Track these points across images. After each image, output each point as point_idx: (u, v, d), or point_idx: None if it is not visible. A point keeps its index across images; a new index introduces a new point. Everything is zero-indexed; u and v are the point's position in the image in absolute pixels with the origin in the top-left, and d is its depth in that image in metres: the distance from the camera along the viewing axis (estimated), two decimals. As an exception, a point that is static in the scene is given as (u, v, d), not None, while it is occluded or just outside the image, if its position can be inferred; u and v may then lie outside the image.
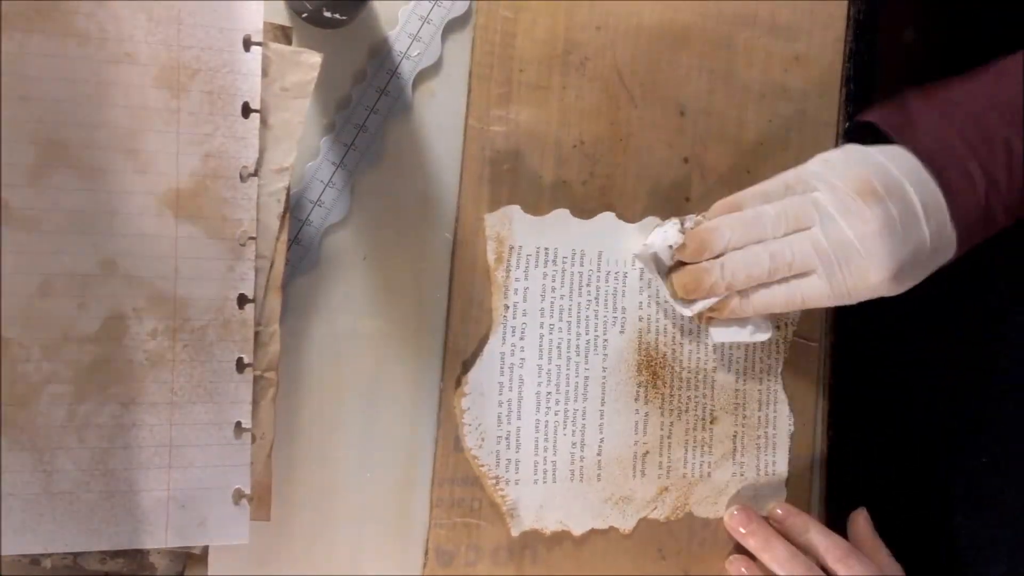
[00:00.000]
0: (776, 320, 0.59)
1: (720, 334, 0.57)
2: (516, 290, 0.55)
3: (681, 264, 0.55)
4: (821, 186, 0.53)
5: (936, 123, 0.55)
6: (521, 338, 0.55)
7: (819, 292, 0.53)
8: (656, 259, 0.55)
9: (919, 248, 0.52)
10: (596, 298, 0.56)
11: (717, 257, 0.54)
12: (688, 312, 0.55)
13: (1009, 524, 0.59)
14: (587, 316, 0.56)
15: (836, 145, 0.62)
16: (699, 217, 0.55)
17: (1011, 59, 0.55)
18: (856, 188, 0.52)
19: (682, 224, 0.55)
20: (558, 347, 0.56)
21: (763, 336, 0.57)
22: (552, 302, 0.55)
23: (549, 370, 0.55)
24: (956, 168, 0.53)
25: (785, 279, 0.53)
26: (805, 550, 0.57)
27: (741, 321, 0.56)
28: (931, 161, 0.53)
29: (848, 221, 0.52)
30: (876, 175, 0.52)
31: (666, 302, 0.57)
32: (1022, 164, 0.53)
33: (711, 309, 0.55)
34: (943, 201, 0.52)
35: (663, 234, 0.55)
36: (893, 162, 0.53)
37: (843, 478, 0.63)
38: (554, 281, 0.55)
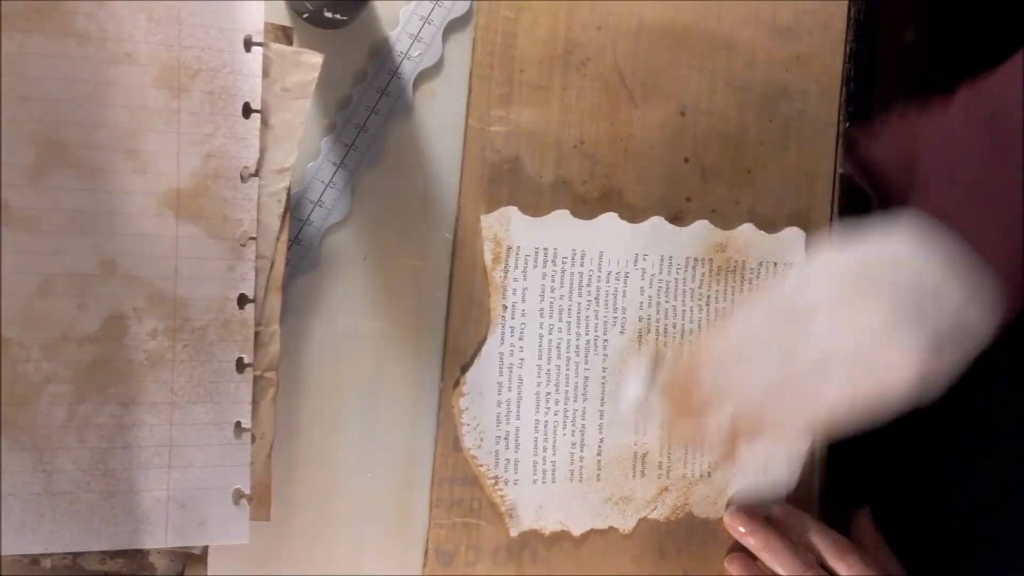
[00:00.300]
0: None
1: (739, 479, 0.53)
2: (514, 290, 0.55)
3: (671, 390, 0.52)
4: (823, 281, 0.47)
5: (936, 185, 0.49)
6: (520, 338, 0.55)
7: (837, 402, 0.46)
8: (641, 393, 0.54)
9: (947, 322, 0.45)
10: (596, 298, 0.56)
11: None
12: (695, 441, 0.51)
13: (1013, 525, 0.59)
14: (587, 316, 0.56)
15: (836, 145, 0.62)
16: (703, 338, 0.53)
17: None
18: (850, 282, 0.46)
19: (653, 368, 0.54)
20: (557, 347, 0.56)
21: (784, 480, 0.53)
22: (551, 302, 0.55)
23: (548, 370, 0.55)
24: (959, 209, 0.46)
25: (797, 387, 0.47)
26: (805, 549, 0.57)
27: (765, 461, 0.52)
28: (939, 222, 0.46)
29: (852, 314, 0.45)
30: (865, 255, 0.46)
31: (667, 303, 0.56)
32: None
33: (726, 447, 0.49)
34: (964, 256, 0.45)
35: (645, 370, 0.54)
36: (894, 238, 0.46)
37: (843, 478, 0.63)
38: (553, 281, 0.55)
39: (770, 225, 0.60)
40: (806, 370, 0.46)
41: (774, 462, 0.52)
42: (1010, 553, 0.59)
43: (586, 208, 0.56)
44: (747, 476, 0.52)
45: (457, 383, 0.54)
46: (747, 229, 0.59)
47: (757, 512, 0.59)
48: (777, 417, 0.47)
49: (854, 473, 0.64)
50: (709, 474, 0.59)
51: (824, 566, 0.57)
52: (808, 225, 0.62)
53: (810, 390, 0.46)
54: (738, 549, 0.60)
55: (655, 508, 0.58)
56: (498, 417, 0.54)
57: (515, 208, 0.54)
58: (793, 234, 0.61)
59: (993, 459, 0.61)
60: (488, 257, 0.54)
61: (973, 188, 0.46)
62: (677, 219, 0.58)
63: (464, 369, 0.54)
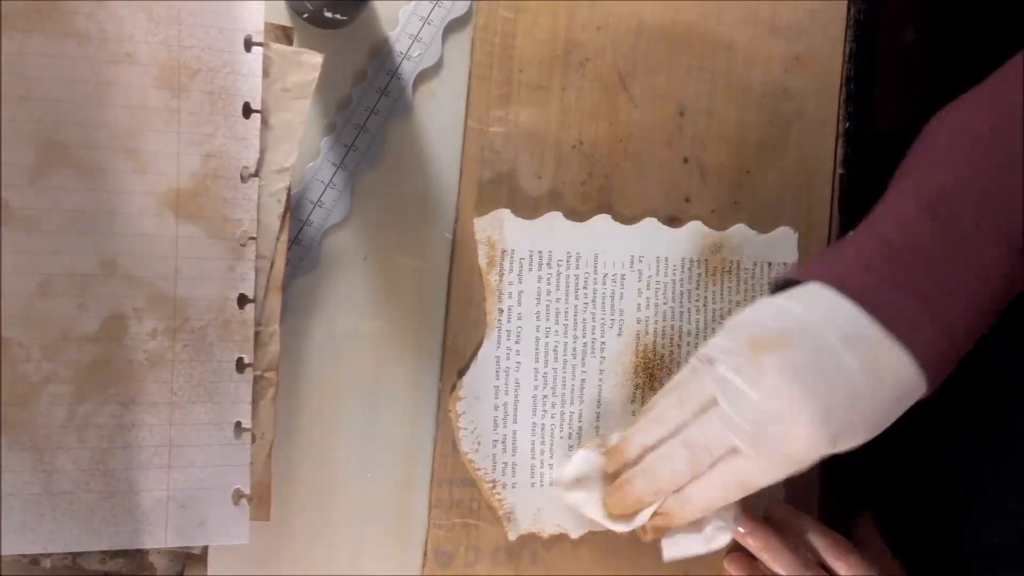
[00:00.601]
0: (734, 518, 0.54)
1: (672, 548, 0.53)
2: (510, 294, 0.55)
3: (610, 481, 0.53)
4: (718, 354, 0.47)
5: (836, 248, 0.49)
6: (516, 342, 0.55)
7: (751, 469, 0.47)
8: (582, 485, 0.53)
9: (848, 386, 0.44)
10: (593, 301, 0.56)
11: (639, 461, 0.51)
12: (625, 529, 0.52)
13: (1015, 526, 0.59)
14: (583, 319, 0.56)
15: (836, 146, 0.62)
16: (625, 432, 0.53)
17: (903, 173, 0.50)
18: (748, 342, 0.46)
19: (603, 442, 0.53)
20: (554, 350, 0.56)
21: (722, 541, 0.53)
22: (548, 305, 0.55)
23: (545, 373, 0.55)
24: (880, 290, 0.46)
25: (712, 465, 0.48)
26: (805, 549, 0.57)
27: (695, 529, 0.52)
28: (845, 288, 0.46)
29: (747, 382, 0.45)
30: (771, 321, 0.46)
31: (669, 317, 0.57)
32: (950, 277, 0.45)
33: (656, 523, 0.51)
34: (869, 324, 0.45)
35: (582, 460, 0.53)
36: (798, 300, 0.47)
37: (843, 478, 0.63)
38: (549, 284, 0.55)
39: (769, 225, 0.60)
40: (713, 456, 0.47)
41: (705, 529, 0.53)
42: (1011, 554, 0.59)
43: (585, 209, 0.56)
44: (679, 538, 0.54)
45: (454, 387, 0.54)
46: (740, 229, 0.59)
47: (756, 512, 0.59)
48: (696, 507, 0.50)
49: (854, 473, 0.63)
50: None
51: (824, 566, 0.57)
52: (808, 225, 0.62)
53: (718, 479, 0.48)
54: (737, 549, 0.59)
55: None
56: (495, 421, 0.54)
57: (508, 211, 0.54)
58: (785, 234, 0.61)
59: (994, 459, 0.61)
60: (483, 260, 0.54)
61: (910, 271, 0.46)
62: (676, 220, 0.58)
63: (461, 373, 0.54)
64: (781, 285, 0.49)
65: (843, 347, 0.44)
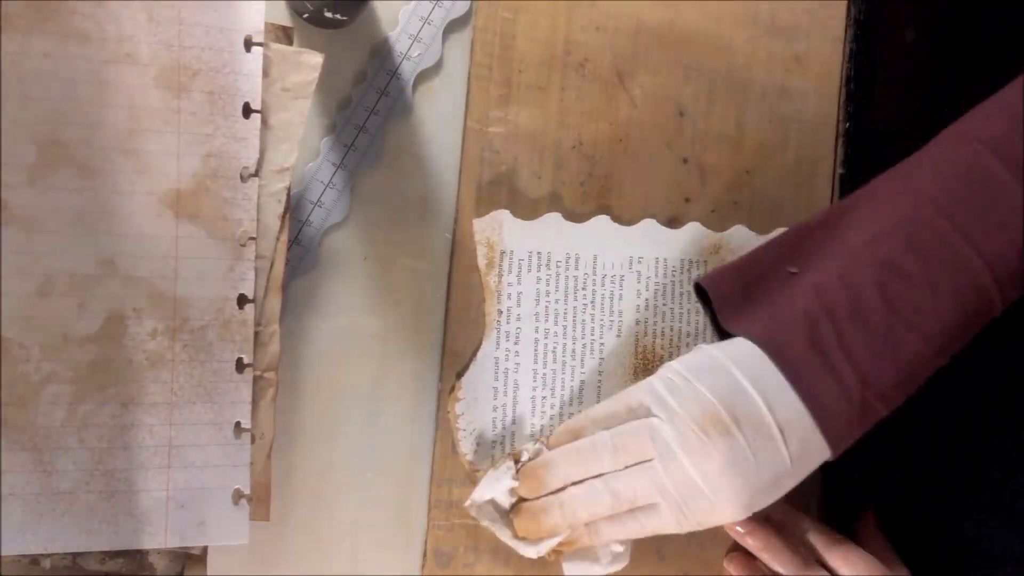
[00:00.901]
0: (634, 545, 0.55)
1: (573, 568, 0.53)
2: (509, 295, 0.55)
3: (522, 500, 0.52)
4: (661, 412, 0.48)
5: (778, 301, 0.50)
6: (515, 343, 0.55)
7: (667, 525, 0.49)
8: (493, 504, 0.52)
9: (777, 472, 0.48)
10: (592, 302, 0.56)
11: (558, 491, 0.51)
12: (533, 553, 0.52)
13: (1016, 526, 0.59)
14: (583, 320, 0.56)
15: (836, 146, 0.62)
16: (538, 446, 0.53)
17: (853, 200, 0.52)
18: (697, 419, 0.47)
19: (516, 461, 0.52)
20: (553, 351, 0.55)
21: (620, 564, 0.53)
22: (547, 306, 0.55)
23: (544, 374, 0.55)
24: (811, 363, 0.47)
25: (631, 512, 0.50)
26: (805, 549, 0.57)
27: (596, 552, 0.53)
28: (781, 359, 0.48)
29: (690, 458, 0.47)
30: (723, 398, 0.47)
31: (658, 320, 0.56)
32: (889, 343, 0.47)
33: (562, 544, 0.52)
34: (803, 408, 0.47)
35: (496, 481, 0.52)
36: (743, 369, 0.48)
37: (843, 478, 0.63)
38: (548, 285, 0.55)
39: (769, 225, 0.60)
40: (635, 507, 0.49)
41: (605, 552, 0.53)
42: (1014, 556, 0.59)
43: (585, 209, 0.56)
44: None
45: (452, 388, 0.54)
46: (739, 231, 0.59)
47: (756, 512, 0.59)
48: (604, 540, 0.51)
49: (854, 474, 0.63)
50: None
51: (824, 566, 0.56)
52: (807, 225, 0.62)
53: (634, 525, 0.50)
54: (737, 549, 0.59)
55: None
56: (494, 422, 0.54)
57: (507, 212, 0.54)
58: (782, 235, 0.61)
59: (995, 459, 0.61)
60: (482, 262, 0.54)
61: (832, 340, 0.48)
62: (676, 220, 0.58)
63: (460, 374, 0.54)
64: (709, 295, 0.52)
65: (781, 436, 0.47)
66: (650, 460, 0.48)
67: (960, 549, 0.60)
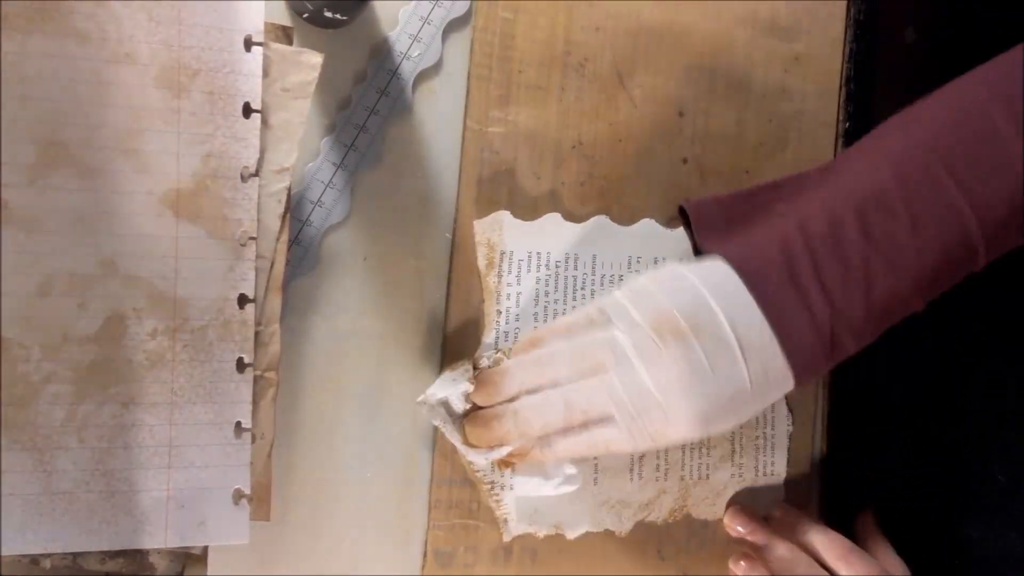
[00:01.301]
0: (585, 466, 0.55)
1: (523, 485, 0.53)
2: (508, 295, 0.55)
3: (476, 409, 0.52)
4: (621, 323, 0.47)
5: (759, 229, 0.49)
6: (515, 343, 0.55)
7: (620, 441, 0.48)
8: (446, 406, 0.52)
9: (736, 391, 0.46)
10: (591, 302, 0.56)
11: (512, 401, 0.50)
12: (482, 460, 0.52)
13: (1016, 525, 0.59)
14: None
15: (835, 146, 0.62)
16: (499, 355, 0.53)
17: (849, 152, 0.52)
18: (655, 326, 0.46)
19: (474, 368, 0.52)
20: None
21: (571, 487, 0.53)
22: (546, 306, 0.55)
23: None
24: (782, 288, 0.46)
25: (584, 425, 0.48)
26: (805, 549, 0.57)
27: (546, 470, 0.53)
28: (752, 281, 0.46)
29: (645, 366, 0.46)
30: (682, 307, 0.46)
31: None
32: (864, 277, 0.46)
33: (512, 455, 0.51)
34: (769, 331, 0.46)
35: (452, 381, 0.52)
36: (709, 285, 0.47)
37: (843, 478, 0.63)
38: (547, 285, 0.55)
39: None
40: (589, 419, 0.48)
41: (554, 482, 0.53)
42: (1017, 557, 0.59)
43: (585, 209, 0.56)
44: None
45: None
46: (736, 229, 0.59)
47: (756, 512, 0.59)
48: (556, 456, 0.50)
49: (854, 473, 0.64)
50: (707, 476, 0.59)
51: (824, 566, 0.57)
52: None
53: (586, 439, 0.49)
54: (741, 551, 0.59)
55: (653, 511, 0.58)
56: None
57: (507, 212, 0.54)
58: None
59: (1000, 461, 0.61)
60: (482, 262, 0.54)
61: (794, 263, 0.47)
62: (676, 220, 0.58)
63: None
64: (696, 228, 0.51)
65: (741, 352, 0.46)
66: (607, 371, 0.47)
67: (963, 551, 0.60)
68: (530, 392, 0.50)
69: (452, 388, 0.51)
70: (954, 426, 0.63)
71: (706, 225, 0.52)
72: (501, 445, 0.51)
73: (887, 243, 0.47)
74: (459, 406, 0.52)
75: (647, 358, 0.46)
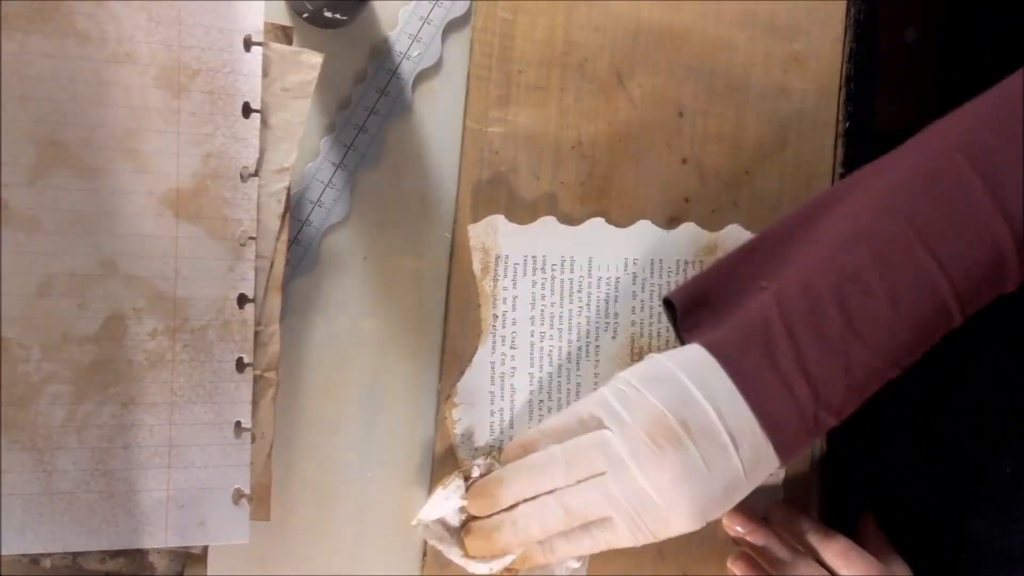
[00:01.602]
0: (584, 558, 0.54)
1: None
2: (504, 299, 0.54)
3: (473, 518, 0.52)
4: (612, 425, 0.48)
5: (738, 309, 0.50)
6: (512, 347, 0.55)
7: (622, 539, 0.49)
8: (443, 523, 0.52)
9: (730, 482, 0.47)
10: (587, 304, 0.56)
11: (510, 509, 0.50)
12: (485, 570, 0.51)
13: (1017, 525, 0.59)
14: (578, 323, 0.56)
15: (835, 146, 0.62)
16: (491, 461, 0.53)
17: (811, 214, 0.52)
18: (648, 430, 0.47)
19: (466, 479, 0.52)
20: (549, 355, 0.55)
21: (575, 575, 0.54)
22: (542, 310, 0.55)
23: (541, 378, 0.55)
24: (763, 373, 0.47)
25: (585, 527, 0.49)
26: (805, 549, 0.57)
27: (550, 567, 0.53)
28: (733, 368, 0.47)
29: (642, 471, 0.47)
30: (672, 407, 0.47)
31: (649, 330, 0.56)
32: (844, 357, 0.47)
33: (514, 562, 0.51)
34: (755, 419, 0.47)
35: (444, 500, 0.52)
36: (693, 377, 0.47)
37: (843, 478, 0.63)
38: (543, 289, 0.55)
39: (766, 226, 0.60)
40: (588, 522, 0.49)
41: (560, 567, 0.54)
42: (1014, 553, 0.59)
43: (585, 209, 0.56)
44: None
45: (449, 395, 0.54)
46: (734, 230, 0.59)
47: (756, 512, 0.59)
48: (558, 556, 0.51)
49: (854, 473, 0.63)
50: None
51: (824, 565, 0.57)
52: (807, 225, 0.62)
53: (588, 540, 0.50)
54: (741, 551, 0.59)
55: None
56: (491, 427, 0.54)
57: (502, 216, 0.54)
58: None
59: (1004, 457, 0.61)
60: (477, 267, 0.54)
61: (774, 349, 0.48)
62: (675, 220, 0.58)
63: (455, 380, 0.54)
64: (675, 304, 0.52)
65: (733, 445, 0.47)
66: (602, 474, 0.48)
67: (964, 550, 0.60)
68: (526, 500, 0.50)
69: (445, 505, 0.52)
70: (955, 424, 0.63)
71: (687, 311, 0.52)
72: (503, 555, 0.51)
73: (866, 322, 0.47)
74: (455, 520, 0.52)
75: (643, 463, 0.47)
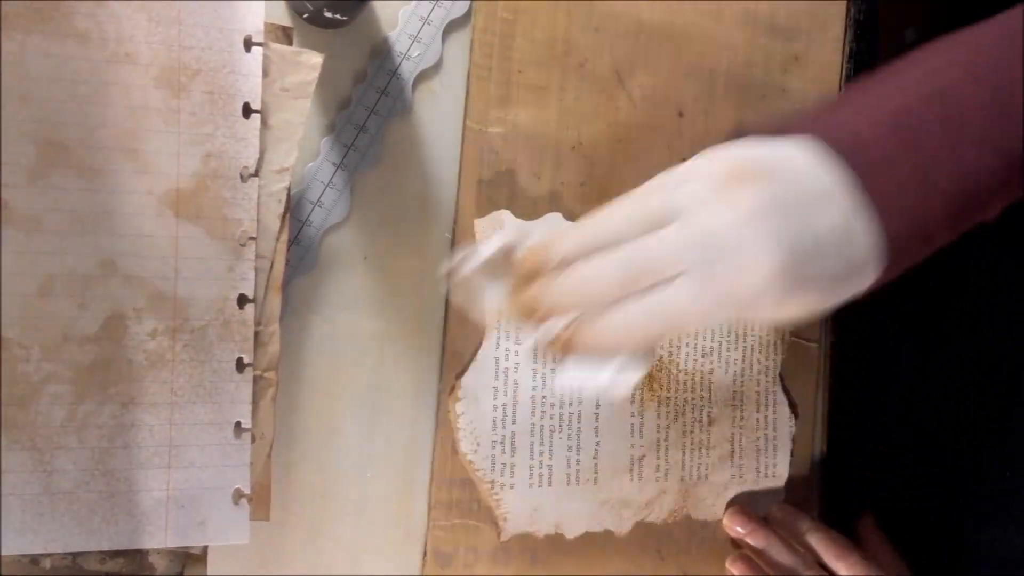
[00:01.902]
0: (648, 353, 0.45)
1: (568, 378, 0.43)
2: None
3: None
4: (688, 175, 0.42)
5: (845, 112, 0.43)
6: (515, 343, 0.55)
7: (689, 303, 0.40)
8: (490, 275, 0.45)
9: (821, 235, 0.39)
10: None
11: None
12: (527, 344, 0.46)
13: (1017, 525, 0.59)
14: None
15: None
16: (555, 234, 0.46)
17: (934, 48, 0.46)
18: (725, 172, 0.40)
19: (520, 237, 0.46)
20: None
21: (627, 383, 0.43)
22: None
23: (544, 374, 0.55)
24: (872, 150, 0.41)
25: (645, 291, 0.40)
26: (805, 549, 0.57)
27: (598, 363, 0.43)
28: (838, 143, 0.41)
29: (714, 208, 0.40)
30: (755, 155, 0.41)
31: None
32: (963, 162, 0.41)
33: (560, 344, 0.43)
34: (852, 186, 0.40)
35: (487, 243, 0.45)
36: (786, 143, 0.41)
37: (843, 478, 0.63)
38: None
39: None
40: (653, 279, 0.41)
41: (607, 371, 0.43)
42: (1014, 553, 0.59)
43: (585, 210, 0.56)
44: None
45: (453, 388, 0.54)
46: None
47: (756, 513, 0.59)
48: (610, 335, 0.42)
49: (854, 473, 0.64)
50: (707, 476, 0.59)
51: (824, 566, 0.57)
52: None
53: (646, 307, 0.41)
54: (739, 552, 0.60)
55: (653, 511, 0.58)
56: (494, 422, 0.54)
57: (508, 211, 0.54)
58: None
59: (1005, 458, 0.61)
60: None
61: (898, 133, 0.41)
62: (676, 219, 0.58)
63: (460, 374, 0.54)
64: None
65: (822, 198, 0.40)
66: (670, 226, 0.41)
67: (964, 551, 0.60)
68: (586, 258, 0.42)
69: (485, 247, 0.44)
70: (955, 425, 0.63)
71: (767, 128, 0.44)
72: (543, 319, 0.42)
73: (962, 143, 0.41)
74: (504, 275, 0.45)
75: (720, 201, 0.39)
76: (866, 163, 0.40)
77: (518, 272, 0.44)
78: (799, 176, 0.40)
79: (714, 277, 0.39)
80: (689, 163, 0.42)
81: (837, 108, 0.44)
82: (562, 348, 0.43)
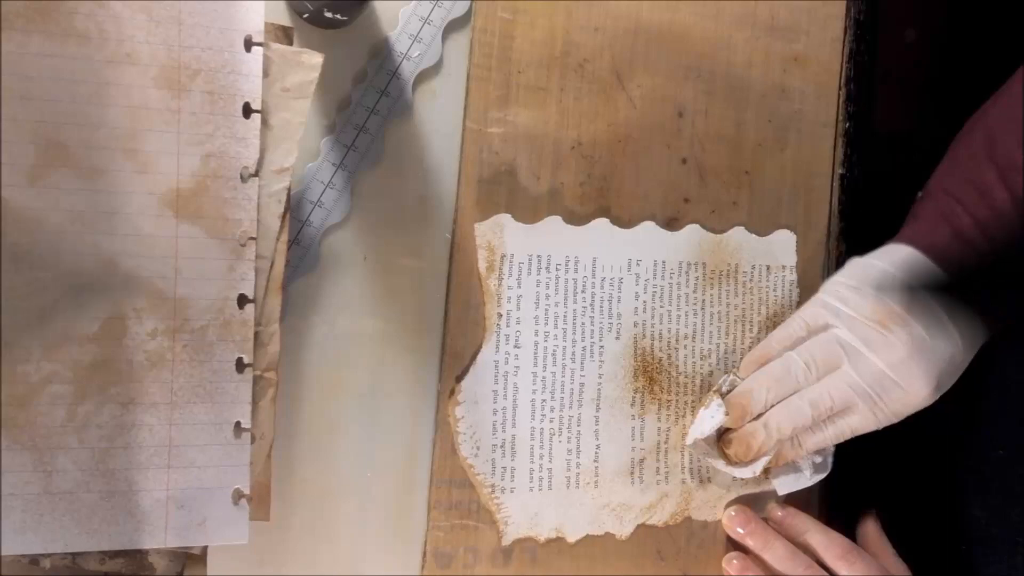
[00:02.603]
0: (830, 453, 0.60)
1: (784, 485, 0.59)
2: (509, 298, 0.55)
3: (727, 431, 0.57)
4: (839, 322, 0.54)
5: (924, 206, 0.55)
6: (516, 346, 0.55)
7: (866, 424, 0.55)
8: (709, 440, 0.57)
9: (954, 351, 0.53)
10: (591, 304, 0.56)
11: (759, 417, 0.56)
12: (749, 474, 0.57)
13: (1017, 526, 0.59)
14: (582, 323, 0.56)
15: (835, 146, 0.62)
16: (733, 377, 0.58)
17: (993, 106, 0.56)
18: (874, 317, 0.53)
19: (720, 395, 0.57)
20: (553, 354, 0.55)
21: (823, 474, 0.59)
22: (546, 309, 0.55)
23: (544, 377, 0.55)
24: (955, 245, 0.53)
25: (830, 419, 0.55)
26: (805, 549, 0.57)
27: (798, 466, 0.59)
28: (932, 251, 0.53)
29: (876, 353, 0.53)
30: (891, 295, 0.53)
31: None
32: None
33: (770, 464, 0.57)
34: (958, 301, 0.53)
35: (710, 419, 0.56)
36: (900, 268, 0.53)
37: (844, 478, 0.63)
38: (548, 288, 0.55)
39: (769, 226, 0.60)
40: (834, 412, 0.55)
41: (807, 464, 0.59)
42: (1014, 554, 0.59)
43: (584, 210, 0.56)
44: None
45: (452, 392, 0.54)
46: (738, 232, 0.59)
47: (756, 513, 0.59)
48: (807, 450, 0.57)
49: (855, 473, 0.63)
50: (708, 479, 0.59)
51: (824, 566, 0.57)
52: (807, 225, 0.62)
53: (833, 430, 0.55)
54: (736, 549, 0.59)
55: (654, 514, 0.58)
56: (494, 425, 0.54)
57: (508, 216, 0.54)
58: (784, 236, 0.61)
59: (1003, 439, 0.61)
60: (482, 265, 0.54)
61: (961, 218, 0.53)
62: (675, 220, 0.58)
63: (459, 378, 0.54)
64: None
65: (949, 319, 0.52)
66: (839, 368, 0.54)
67: (967, 534, 0.61)
68: (774, 404, 0.55)
69: (711, 422, 0.56)
70: (957, 423, 0.63)
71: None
72: (760, 456, 0.56)
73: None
74: (712, 435, 0.57)
75: (876, 346, 0.53)
76: (953, 257, 0.53)
77: (732, 424, 0.56)
78: (928, 307, 0.52)
79: (885, 406, 0.54)
80: (828, 299, 0.55)
81: (938, 219, 0.55)
82: (769, 471, 0.58)
